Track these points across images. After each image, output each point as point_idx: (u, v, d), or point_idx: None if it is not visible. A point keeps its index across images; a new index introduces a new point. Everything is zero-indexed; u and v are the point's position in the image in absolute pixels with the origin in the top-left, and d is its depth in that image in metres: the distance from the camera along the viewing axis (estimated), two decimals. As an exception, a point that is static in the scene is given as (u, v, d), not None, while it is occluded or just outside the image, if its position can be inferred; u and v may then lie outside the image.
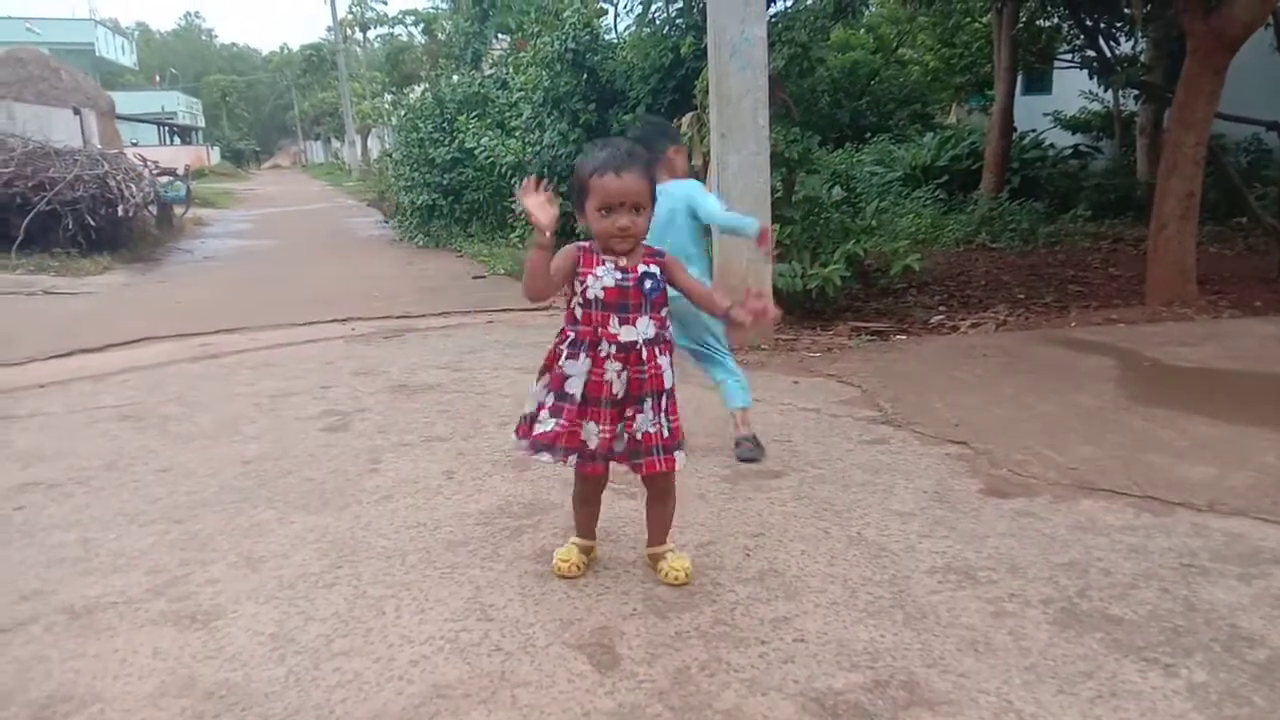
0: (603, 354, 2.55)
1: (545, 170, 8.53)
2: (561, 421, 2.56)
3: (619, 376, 2.56)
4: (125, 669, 2.38)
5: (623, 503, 3.36)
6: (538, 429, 2.60)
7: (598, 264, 2.55)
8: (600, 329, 2.55)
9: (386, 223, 16.64)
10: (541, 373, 2.64)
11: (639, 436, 2.60)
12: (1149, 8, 8.26)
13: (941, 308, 7.11)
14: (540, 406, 2.61)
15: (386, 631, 2.52)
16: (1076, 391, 4.64)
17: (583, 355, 2.55)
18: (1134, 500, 3.27)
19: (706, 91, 6.04)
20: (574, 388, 2.56)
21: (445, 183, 13.30)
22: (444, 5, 25.40)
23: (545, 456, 2.59)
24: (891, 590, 2.66)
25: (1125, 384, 4.81)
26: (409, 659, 2.38)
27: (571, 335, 2.59)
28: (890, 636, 2.41)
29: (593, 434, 2.58)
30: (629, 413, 2.60)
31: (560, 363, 2.59)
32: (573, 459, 2.60)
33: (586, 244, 2.59)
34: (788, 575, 2.78)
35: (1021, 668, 2.25)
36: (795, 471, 3.67)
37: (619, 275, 2.55)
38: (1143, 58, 11.71)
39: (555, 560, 2.81)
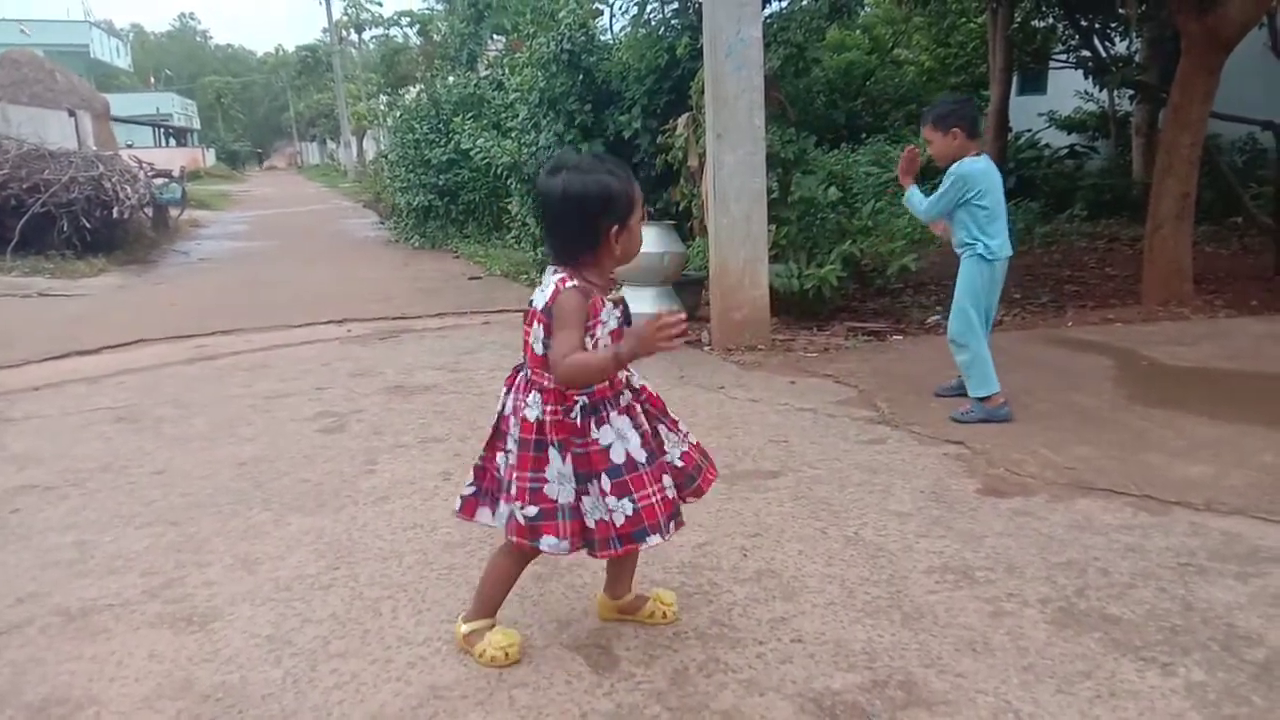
0: (625, 404, 2.23)
1: (541, 171, 8.52)
2: (647, 493, 2.19)
3: (648, 419, 2.29)
4: (121, 671, 2.37)
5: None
6: (620, 521, 2.17)
7: (602, 306, 2.17)
8: (613, 380, 2.22)
9: (382, 224, 16.64)
10: (540, 461, 2.18)
11: (681, 463, 2.34)
12: (1143, 8, 8.28)
13: (938, 308, 7.10)
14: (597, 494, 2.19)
15: (384, 633, 2.51)
16: (1073, 391, 4.65)
17: (613, 414, 2.19)
18: (1131, 499, 3.27)
19: (702, 92, 6.04)
20: (623, 455, 2.18)
21: (441, 184, 13.31)
22: (439, 6, 25.37)
23: (652, 539, 2.19)
24: (889, 590, 2.66)
25: (1122, 383, 4.81)
26: (406, 660, 2.37)
27: (584, 400, 2.16)
28: (888, 636, 2.41)
29: (670, 487, 2.27)
30: (665, 449, 2.33)
31: (590, 435, 2.17)
32: (673, 525, 2.25)
33: (582, 285, 2.14)
34: (785, 576, 2.77)
35: (1019, 667, 2.25)
36: (792, 471, 3.66)
37: (618, 313, 2.21)
38: (1138, 58, 11.72)
39: (491, 651, 2.32)
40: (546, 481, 2.18)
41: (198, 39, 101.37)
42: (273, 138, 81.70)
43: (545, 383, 2.18)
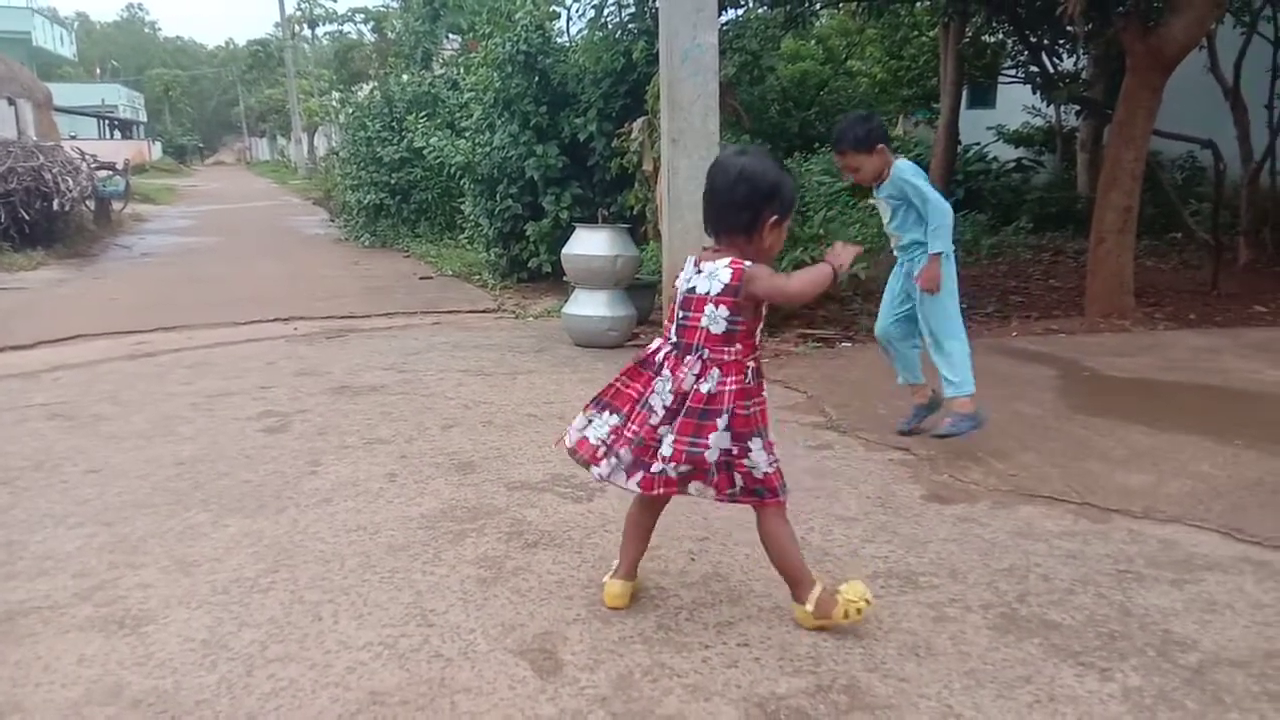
0: None
1: (495, 172, 8.46)
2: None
3: None
4: (48, 676, 2.30)
5: (568, 507, 3.33)
6: (761, 475, 2.43)
7: None
8: (760, 346, 2.52)
9: (332, 221, 16.41)
10: (705, 429, 2.34)
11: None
12: (1090, 26, 8.44)
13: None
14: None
15: (323, 637, 2.46)
16: (1017, 400, 4.71)
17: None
18: (1073, 507, 3.32)
19: (658, 97, 6.04)
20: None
21: (393, 182, 13.17)
22: (394, 4, 25.17)
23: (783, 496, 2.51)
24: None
25: (1065, 393, 4.89)
26: (346, 665, 2.32)
27: (753, 365, 2.41)
28: (832, 641, 2.42)
29: None
30: None
31: (762, 394, 2.43)
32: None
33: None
34: (732, 580, 2.77)
35: (961, 672, 2.27)
36: (741, 476, 3.66)
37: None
38: (1084, 74, 11.98)
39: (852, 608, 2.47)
40: (707, 447, 2.34)
41: (146, 30, 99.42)
42: (222, 132, 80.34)
43: (725, 358, 2.36)
